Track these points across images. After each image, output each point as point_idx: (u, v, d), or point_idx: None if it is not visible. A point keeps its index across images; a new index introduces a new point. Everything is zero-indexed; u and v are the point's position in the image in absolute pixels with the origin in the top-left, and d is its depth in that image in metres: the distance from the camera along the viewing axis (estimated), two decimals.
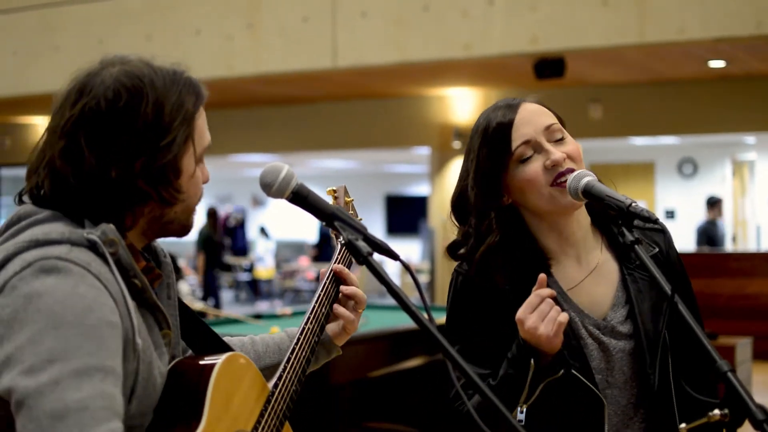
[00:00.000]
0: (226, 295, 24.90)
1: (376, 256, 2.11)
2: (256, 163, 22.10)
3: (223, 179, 29.13)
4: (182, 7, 12.05)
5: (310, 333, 2.39)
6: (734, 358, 9.09)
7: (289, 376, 2.29)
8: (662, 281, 2.29)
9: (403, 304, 2.01)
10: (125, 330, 1.94)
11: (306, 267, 24.16)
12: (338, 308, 2.49)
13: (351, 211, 2.76)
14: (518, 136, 2.60)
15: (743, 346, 9.57)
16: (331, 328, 2.52)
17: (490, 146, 2.63)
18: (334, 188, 2.76)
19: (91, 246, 1.95)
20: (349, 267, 2.55)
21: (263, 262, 24.13)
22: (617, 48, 10.16)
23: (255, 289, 24.48)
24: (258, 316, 8.22)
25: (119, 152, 2.00)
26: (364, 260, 2.07)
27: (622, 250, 2.64)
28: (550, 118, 2.62)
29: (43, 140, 2.09)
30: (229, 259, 25.41)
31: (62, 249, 1.92)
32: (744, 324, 12.62)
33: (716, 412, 2.25)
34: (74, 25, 12.63)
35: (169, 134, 2.03)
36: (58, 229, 1.96)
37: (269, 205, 29.31)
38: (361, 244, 2.09)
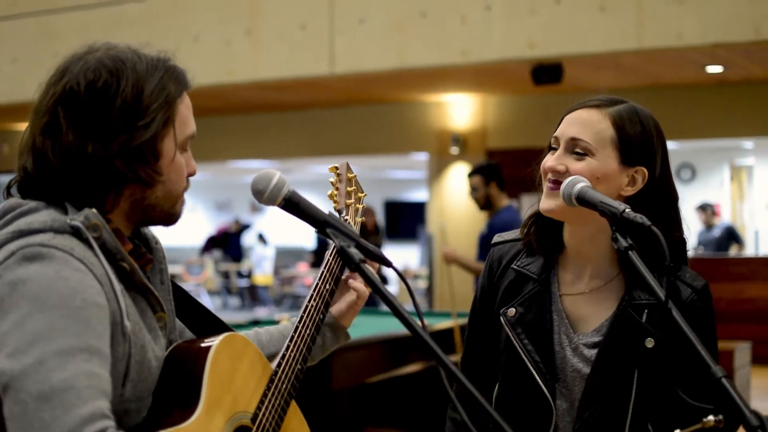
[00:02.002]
0: (226, 301, 24.89)
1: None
2: (254, 169, 22.08)
3: (222, 185, 29.12)
4: (181, 14, 12.05)
5: (314, 310, 2.37)
6: (733, 362, 9.08)
7: (292, 355, 2.27)
8: (656, 287, 2.29)
9: (396, 311, 2.01)
10: (113, 312, 1.95)
11: (305, 273, 24.13)
12: (353, 282, 2.49)
13: (354, 186, 2.74)
14: (558, 128, 2.66)
15: (742, 351, 9.56)
16: (336, 308, 2.51)
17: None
18: (336, 165, 2.74)
19: (75, 232, 1.97)
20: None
21: (261, 268, 24.11)
22: (615, 53, 10.16)
23: (253, 295, 24.45)
24: (256, 322, 8.21)
25: (97, 129, 2.01)
26: (356, 267, 2.07)
27: (635, 292, 2.62)
28: (583, 133, 2.59)
29: (29, 122, 2.12)
30: (224, 266, 25.40)
31: (45, 236, 1.93)
32: (743, 328, 12.62)
33: (710, 418, 2.26)
34: (74, 32, 12.63)
35: (147, 115, 2.04)
36: (41, 218, 1.97)
37: (267, 212, 29.31)
38: (354, 251, 2.09)
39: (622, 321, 2.61)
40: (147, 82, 2.06)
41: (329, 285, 2.44)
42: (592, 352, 2.62)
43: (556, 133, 2.66)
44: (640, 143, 2.61)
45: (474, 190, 8.91)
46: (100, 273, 1.95)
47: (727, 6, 9.37)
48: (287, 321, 2.57)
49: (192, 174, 2.18)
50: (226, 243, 26.50)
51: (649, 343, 2.56)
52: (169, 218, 2.17)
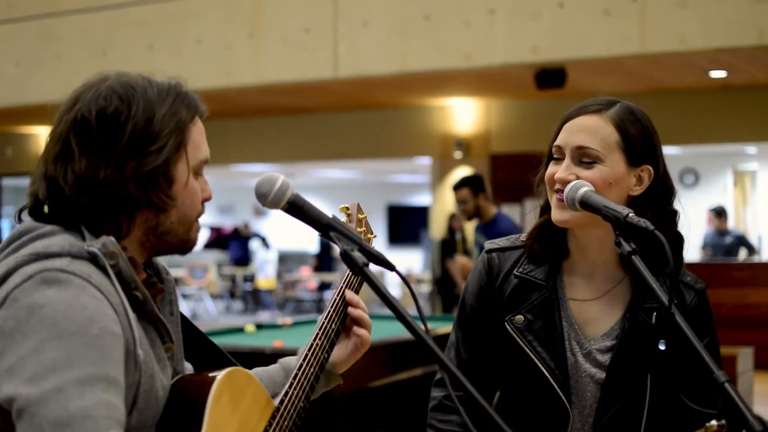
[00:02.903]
0: (229, 304, 24.89)
1: (375, 268, 2.11)
2: (257, 173, 22.07)
3: (225, 189, 29.14)
4: (183, 17, 12.06)
5: (319, 349, 2.36)
6: (736, 368, 9.07)
7: (296, 392, 2.26)
8: (660, 292, 2.28)
9: (400, 316, 2.00)
10: (126, 341, 1.94)
11: (307, 277, 24.14)
12: (358, 329, 2.46)
13: (364, 228, 2.72)
14: (559, 137, 2.64)
15: (745, 356, 9.55)
16: (337, 353, 2.48)
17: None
18: (347, 206, 2.72)
19: (92, 258, 1.96)
20: (358, 290, 2.53)
21: (264, 272, 24.10)
22: (618, 58, 10.17)
23: (256, 299, 24.45)
24: (259, 326, 8.21)
25: (109, 155, 2.02)
26: (360, 271, 2.06)
27: (643, 295, 2.62)
28: (589, 141, 2.58)
29: (42, 151, 2.12)
30: (227, 270, 25.41)
31: (63, 261, 1.92)
32: (746, 334, 12.61)
33: (713, 423, 2.25)
34: (76, 35, 12.65)
35: (158, 140, 2.04)
36: (58, 242, 1.97)
37: (270, 216, 29.31)
38: (357, 254, 2.08)
39: (634, 324, 2.61)
40: (158, 108, 2.06)
41: (335, 324, 2.43)
42: (605, 357, 2.62)
43: (558, 143, 2.63)
44: (642, 142, 2.62)
45: (462, 202, 9.14)
46: (116, 302, 1.95)
47: (731, 11, 9.38)
48: (287, 329, 2.56)
49: (207, 199, 2.18)
50: (226, 243, 26.51)
51: (662, 345, 2.55)
52: (184, 245, 2.17)
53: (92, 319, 1.87)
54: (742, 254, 16.07)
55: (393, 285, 20.75)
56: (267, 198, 2.16)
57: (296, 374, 2.29)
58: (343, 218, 2.68)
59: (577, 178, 2.56)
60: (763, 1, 9.27)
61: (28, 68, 13.09)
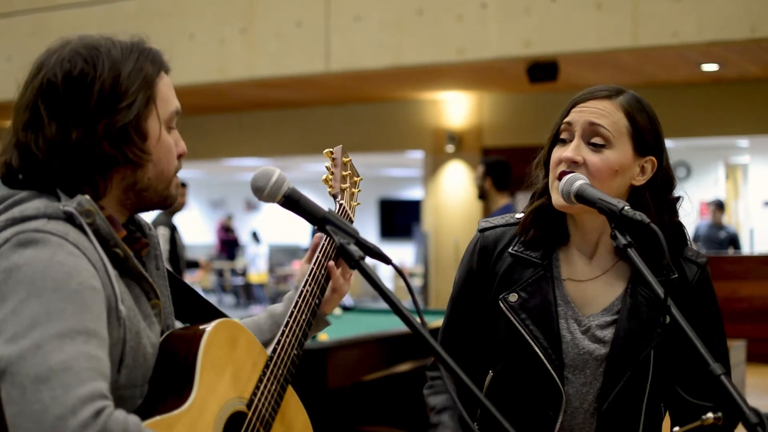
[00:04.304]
0: (221, 299, 24.87)
1: (370, 261, 2.11)
2: (249, 167, 22.08)
3: (217, 183, 29.10)
4: (176, 12, 12.05)
5: (310, 295, 2.38)
6: (728, 360, 9.07)
7: (288, 340, 2.28)
8: (656, 286, 2.28)
9: (396, 308, 2.01)
10: (107, 297, 1.95)
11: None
12: (331, 266, 2.47)
13: (350, 171, 2.74)
14: (569, 115, 2.63)
15: (737, 349, 9.55)
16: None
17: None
18: (331, 149, 2.73)
19: (68, 218, 1.96)
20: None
21: (255, 266, 24.09)
22: (611, 51, 10.17)
23: (248, 293, 24.44)
24: None
25: (79, 117, 2.03)
26: (356, 264, 2.07)
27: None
28: (603, 120, 2.57)
29: (11, 122, 2.13)
30: (218, 264, 25.39)
31: (39, 223, 1.93)
32: (738, 327, 12.62)
33: (710, 415, 2.26)
34: (69, 30, 12.55)
35: (127, 97, 2.05)
36: (34, 205, 1.98)
37: (262, 210, 29.29)
38: (353, 248, 2.08)
39: (636, 298, 2.61)
40: (123, 66, 2.07)
41: (324, 270, 2.45)
42: (604, 332, 2.60)
43: (568, 119, 2.62)
44: (650, 132, 2.63)
45: (477, 178, 9.19)
46: (95, 258, 1.95)
47: (723, 4, 9.38)
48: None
49: (182, 154, 2.19)
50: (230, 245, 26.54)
51: (664, 318, 2.54)
52: (164, 200, 2.17)
53: (70, 275, 1.87)
54: (730, 251, 16.07)
55: (385, 278, 20.76)
56: (263, 192, 2.16)
57: (287, 321, 2.31)
58: (327, 162, 2.72)
59: (585, 160, 2.56)
60: None
61: (21, 63, 12.90)
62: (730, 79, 12.49)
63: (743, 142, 18.31)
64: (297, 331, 2.31)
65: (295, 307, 2.35)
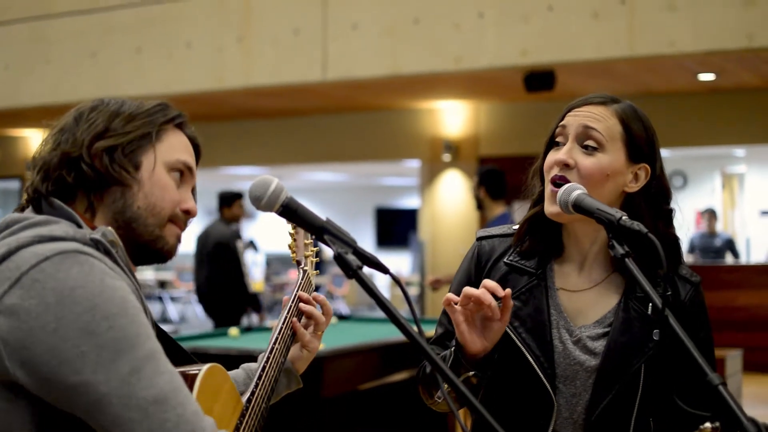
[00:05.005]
0: None
1: (367, 270, 2.11)
2: (246, 175, 22.09)
3: (213, 192, 29.04)
4: (173, 20, 12.05)
5: (278, 353, 2.48)
6: (725, 370, 9.08)
7: (260, 392, 2.36)
8: (654, 295, 2.28)
9: (393, 317, 2.00)
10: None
11: (295, 280, 24.07)
12: (295, 323, 2.59)
13: (310, 239, 2.89)
14: (564, 119, 2.65)
15: (733, 358, 9.57)
16: (292, 353, 2.62)
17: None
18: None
19: (95, 245, 1.96)
20: (310, 291, 2.72)
21: (252, 275, 24.06)
22: (607, 61, 10.17)
23: None
24: (248, 329, 8.21)
25: (75, 134, 2.09)
26: (354, 274, 2.06)
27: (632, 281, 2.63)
28: (597, 124, 2.60)
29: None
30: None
31: (75, 244, 1.91)
32: (734, 336, 12.63)
33: (707, 425, 2.26)
34: (66, 38, 12.62)
35: (126, 124, 2.10)
36: (61, 227, 1.96)
37: (259, 218, 29.28)
38: (351, 257, 2.08)
39: (629, 312, 2.61)
40: (134, 109, 2.13)
41: (291, 329, 2.57)
42: (596, 344, 2.61)
43: (563, 122, 2.64)
44: (644, 140, 2.64)
45: (473, 188, 9.30)
46: (128, 283, 1.97)
47: (720, 14, 9.39)
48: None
49: (188, 211, 2.19)
50: None
51: (656, 335, 2.56)
52: (155, 242, 2.15)
53: (125, 299, 1.89)
54: (729, 259, 16.09)
55: (382, 287, 20.72)
56: (261, 201, 2.16)
57: (260, 375, 2.39)
58: (290, 229, 2.87)
59: (576, 163, 2.57)
60: (751, 5, 9.29)
61: (18, 71, 13.07)
62: (727, 89, 12.50)
63: (740, 151, 18.34)
64: (267, 386, 2.40)
65: (266, 362, 2.44)
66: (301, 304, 2.62)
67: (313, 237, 2.68)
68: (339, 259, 2.08)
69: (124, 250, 2.03)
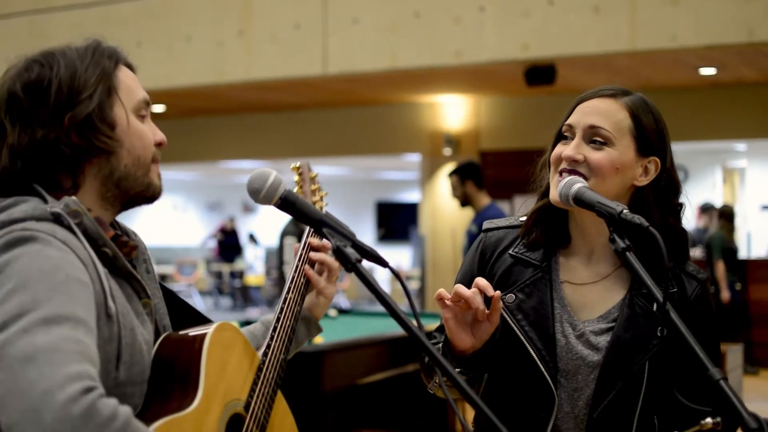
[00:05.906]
0: (217, 301, 24.87)
1: (367, 263, 2.10)
2: (246, 169, 22.09)
3: (213, 186, 29.09)
4: (173, 14, 12.04)
5: (293, 302, 2.46)
6: (725, 365, 9.08)
7: (276, 345, 2.34)
8: (655, 290, 2.27)
9: (392, 311, 2.00)
10: (96, 293, 1.96)
11: None
12: (308, 271, 2.55)
13: (315, 185, 2.80)
14: (571, 116, 2.64)
15: (734, 353, 9.56)
16: (307, 300, 2.58)
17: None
18: (298, 164, 2.80)
19: (56, 219, 1.98)
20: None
21: (253, 269, 24.08)
22: (608, 55, 10.16)
23: (245, 295, 24.43)
24: (248, 323, 8.20)
25: (41, 116, 2.06)
26: (353, 267, 2.06)
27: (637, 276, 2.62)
28: (602, 122, 2.59)
29: None
30: (215, 266, 25.39)
31: (26, 224, 1.95)
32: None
33: (708, 420, 2.25)
34: (65, 32, 12.60)
35: (86, 89, 2.08)
36: (21, 209, 1.99)
37: (259, 212, 29.29)
38: (350, 251, 2.08)
39: (634, 308, 2.59)
40: (79, 63, 2.11)
41: (304, 278, 2.54)
42: (599, 339, 2.59)
43: (569, 121, 2.63)
44: (654, 133, 2.63)
45: (453, 188, 9.33)
46: (84, 255, 1.97)
47: (721, 8, 9.38)
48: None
49: (160, 143, 2.20)
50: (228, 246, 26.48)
51: (661, 331, 2.54)
52: (146, 189, 2.18)
53: (57, 267, 1.89)
54: None
55: (382, 281, 20.76)
56: (259, 194, 2.16)
57: (275, 327, 2.38)
58: (294, 176, 2.79)
59: (585, 158, 2.56)
60: None
61: None
62: (728, 83, 12.49)
63: (741, 145, 18.32)
64: (284, 336, 2.38)
65: (280, 313, 2.42)
66: (312, 253, 2.58)
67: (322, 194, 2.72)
68: (338, 252, 2.07)
69: (91, 218, 2.03)
